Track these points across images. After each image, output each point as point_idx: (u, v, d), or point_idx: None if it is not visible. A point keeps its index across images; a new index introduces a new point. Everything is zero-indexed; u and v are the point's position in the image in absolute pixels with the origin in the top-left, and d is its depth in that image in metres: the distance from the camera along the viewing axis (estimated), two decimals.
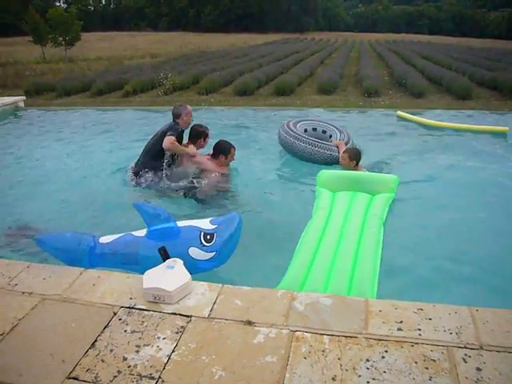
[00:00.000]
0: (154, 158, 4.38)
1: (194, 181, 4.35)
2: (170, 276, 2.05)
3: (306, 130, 5.56)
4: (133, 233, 2.63)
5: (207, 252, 2.49)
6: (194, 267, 2.45)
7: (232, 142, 4.64)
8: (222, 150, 4.56)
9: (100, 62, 23.65)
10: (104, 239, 2.57)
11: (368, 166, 4.70)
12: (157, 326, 1.88)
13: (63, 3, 74.05)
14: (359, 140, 5.71)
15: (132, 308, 1.99)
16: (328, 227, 2.89)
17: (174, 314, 1.95)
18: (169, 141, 4.25)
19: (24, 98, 10.47)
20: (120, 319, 1.93)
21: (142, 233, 2.59)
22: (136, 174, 4.45)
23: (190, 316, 1.93)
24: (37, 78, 16.54)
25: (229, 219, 2.66)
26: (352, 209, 3.15)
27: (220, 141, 4.66)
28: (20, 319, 1.95)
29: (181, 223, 2.58)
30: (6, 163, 5.74)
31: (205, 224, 2.58)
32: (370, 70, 15.06)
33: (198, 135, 4.60)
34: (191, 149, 4.51)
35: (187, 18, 74.05)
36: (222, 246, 2.53)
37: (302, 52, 26.20)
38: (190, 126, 4.63)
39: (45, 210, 4.07)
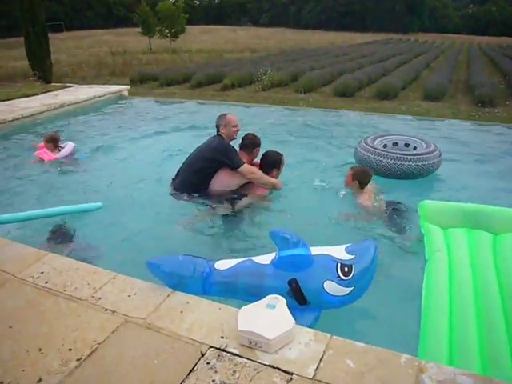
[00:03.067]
0: (195, 173, 3.88)
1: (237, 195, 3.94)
2: (270, 318, 1.70)
3: (385, 146, 5.07)
4: (254, 259, 2.26)
5: (345, 287, 2.11)
6: (328, 303, 2.15)
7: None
8: (276, 163, 4.05)
9: (201, 55, 24.30)
10: (220, 265, 2.23)
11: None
12: (251, 380, 1.54)
13: None
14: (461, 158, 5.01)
15: (223, 350, 1.68)
16: (455, 279, 2.32)
17: (272, 366, 1.60)
18: (248, 171, 3.85)
19: (128, 87, 10.85)
20: (208, 363, 1.62)
21: (267, 260, 2.21)
22: (176, 188, 3.99)
23: (291, 373, 1.57)
24: (142, 67, 17.30)
25: (365, 248, 2.27)
26: (476, 253, 2.54)
27: (269, 152, 4.11)
28: (100, 343, 1.73)
29: (312, 248, 2.22)
30: (100, 153, 5.81)
31: (340, 253, 2.20)
32: (483, 77, 13.67)
33: (253, 145, 4.06)
34: (276, 180, 4.07)
35: (288, 14, 74.10)
36: (359, 279, 2.16)
37: (405, 54, 24.75)
38: (234, 137, 4.05)
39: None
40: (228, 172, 3.86)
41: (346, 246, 2.25)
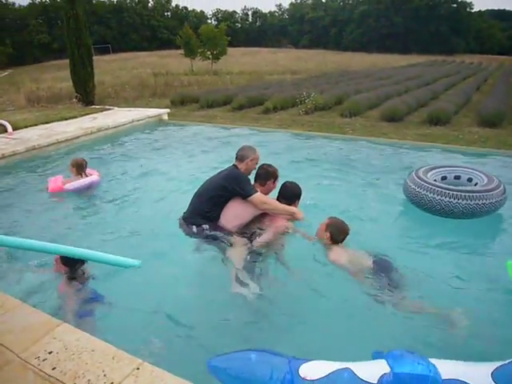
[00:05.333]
0: (206, 202, 3.59)
1: (257, 229, 3.55)
2: None
3: (444, 178, 4.56)
4: (354, 369, 1.64)
5: None
6: None
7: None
8: (298, 195, 3.75)
9: (242, 76, 24.28)
10: (307, 371, 1.64)
11: None
12: None
13: (214, 20, 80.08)
14: None
15: None
16: None
17: None
18: (261, 200, 3.52)
19: (168, 110, 10.62)
20: None
21: (373, 374, 1.60)
22: (185, 218, 3.67)
23: None
24: (183, 88, 17.31)
25: None
26: None
27: (288, 184, 3.79)
28: None
29: (439, 365, 1.50)
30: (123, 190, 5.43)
31: (483, 377, 1.50)
32: None
33: (268, 176, 3.74)
34: (295, 208, 3.68)
35: (328, 36, 74.32)
36: None
37: (452, 76, 23.86)
38: (250, 173, 3.78)
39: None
40: (240, 202, 3.57)
41: (493, 366, 1.54)
